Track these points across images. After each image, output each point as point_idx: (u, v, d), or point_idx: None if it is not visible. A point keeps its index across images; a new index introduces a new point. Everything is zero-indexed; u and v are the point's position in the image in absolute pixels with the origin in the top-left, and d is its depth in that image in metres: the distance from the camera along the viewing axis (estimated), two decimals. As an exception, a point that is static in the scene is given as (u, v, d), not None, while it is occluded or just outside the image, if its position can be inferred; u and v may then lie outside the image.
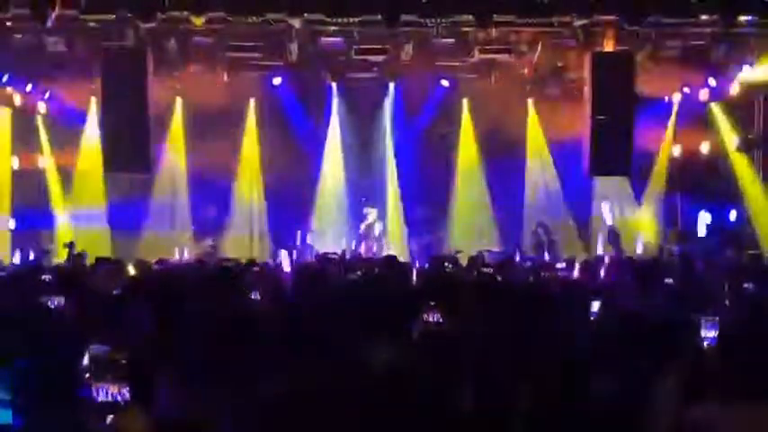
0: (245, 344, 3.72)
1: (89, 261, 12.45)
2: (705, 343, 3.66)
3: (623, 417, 3.48)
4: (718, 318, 3.61)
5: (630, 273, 8.35)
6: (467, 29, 14.71)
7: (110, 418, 2.77)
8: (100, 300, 6.47)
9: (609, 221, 16.81)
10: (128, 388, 2.81)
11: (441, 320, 4.86)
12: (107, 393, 2.79)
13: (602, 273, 10.06)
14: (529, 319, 4.89)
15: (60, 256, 14.80)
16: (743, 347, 3.15)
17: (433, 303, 4.89)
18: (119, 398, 2.80)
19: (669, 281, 9.05)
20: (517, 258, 14.61)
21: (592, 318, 5.63)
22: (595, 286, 7.54)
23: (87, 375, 2.79)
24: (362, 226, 17.21)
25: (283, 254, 11.87)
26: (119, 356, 2.81)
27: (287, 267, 10.50)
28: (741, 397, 3.07)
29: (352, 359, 4.10)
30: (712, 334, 3.66)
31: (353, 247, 16.75)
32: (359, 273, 9.50)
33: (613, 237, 16.08)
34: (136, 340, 4.77)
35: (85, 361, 2.80)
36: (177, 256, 15.39)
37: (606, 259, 11.96)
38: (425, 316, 4.81)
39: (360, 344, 4.30)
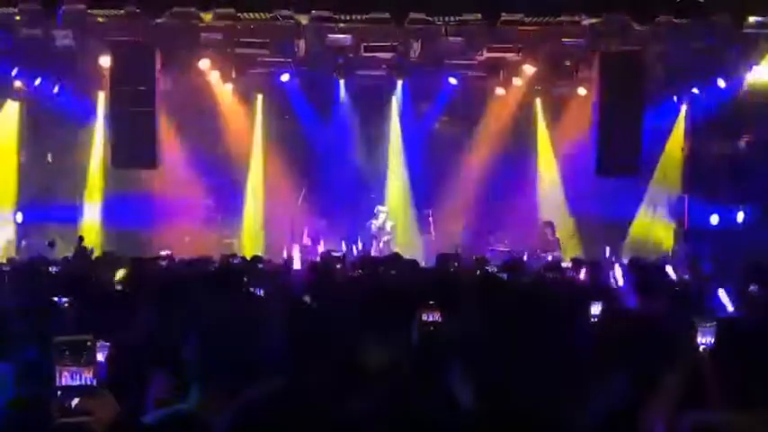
0: (245, 342, 3.72)
1: (95, 256, 12.52)
2: (701, 348, 3.65)
3: (622, 420, 3.48)
4: (715, 323, 3.58)
5: (634, 275, 8.32)
6: (475, 27, 14.68)
7: (76, 401, 2.76)
8: (103, 295, 6.48)
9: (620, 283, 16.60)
10: (94, 372, 2.79)
11: (441, 320, 4.83)
12: (78, 377, 2.77)
13: (608, 275, 10.05)
14: (530, 319, 4.86)
15: (69, 250, 14.85)
16: (742, 351, 3.14)
17: (432, 302, 4.86)
18: (89, 381, 2.78)
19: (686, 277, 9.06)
20: (525, 258, 14.58)
21: (594, 320, 5.61)
22: (599, 288, 7.52)
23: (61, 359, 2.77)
24: (374, 225, 17.18)
25: (295, 250, 11.78)
26: (85, 339, 2.78)
27: (297, 264, 10.46)
28: (740, 402, 3.05)
29: (351, 358, 4.10)
30: (708, 339, 3.64)
31: (363, 246, 16.71)
32: (360, 271, 9.50)
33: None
34: (136, 336, 4.79)
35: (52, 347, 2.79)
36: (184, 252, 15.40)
37: (612, 262, 11.94)
38: (426, 315, 4.78)
39: (361, 342, 4.29)
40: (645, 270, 8.46)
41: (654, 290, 6.50)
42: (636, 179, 16.74)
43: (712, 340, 3.61)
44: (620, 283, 15.67)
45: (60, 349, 2.72)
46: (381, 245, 16.82)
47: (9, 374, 3.74)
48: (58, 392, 2.70)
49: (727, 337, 3.40)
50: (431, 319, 4.28)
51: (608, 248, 15.60)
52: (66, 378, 2.71)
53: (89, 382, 2.72)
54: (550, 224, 17.26)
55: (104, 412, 2.75)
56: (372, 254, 15.65)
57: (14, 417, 3.40)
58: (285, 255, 14.00)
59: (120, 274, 8.91)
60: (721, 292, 5.75)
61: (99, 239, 15.89)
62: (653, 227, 17.91)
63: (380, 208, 17.33)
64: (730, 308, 5.84)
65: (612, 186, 16.99)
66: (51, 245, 15.16)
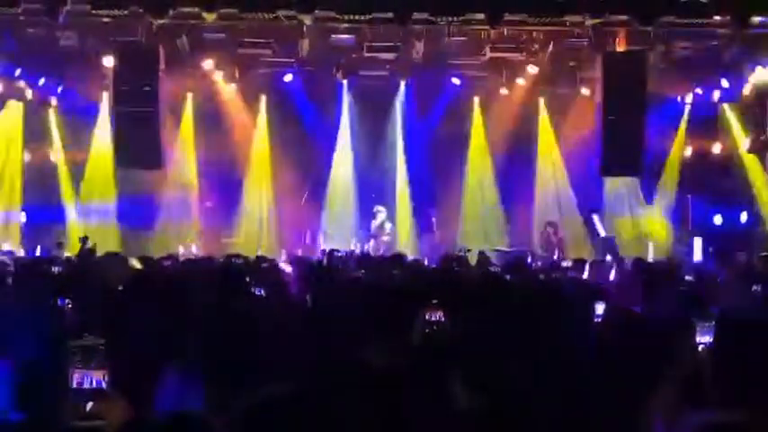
0: (248, 341, 3.72)
1: (99, 256, 12.50)
2: (701, 347, 3.65)
3: (622, 419, 3.48)
4: (714, 323, 3.59)
5: (638, 276, 8.32)
6: (478, 27, 14.69)
7: (90, 404, 2.78)
8: (105, 295, 6.49)
9: (602, 233, 16.60)
10: (106, 375, 2.82)
11: (443, 319, 4.85)
12: (90, 380, 2.80)
13: (611, 275, 10.05)
14: (532, 318, 4.87)
15: (73, 250, 14.86)
16: (741, 350, 3.13)
17: (435, 302, 4.88)
18: (100, 384, 2.81)
19: (689, 278, 9.06)
20: (528, 258, 14.56)
21: (596, 320, 5.62)
22: (602, 288, 7.52)
23: (73, 363, 2.80)
24: (373, 225, 17.16)
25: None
26: (99, 343, 2.81)
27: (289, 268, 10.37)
28: (740, 401, 3.05)
29: (353, 357, 4.10)
30: (707, 339, 3.64)
31: (363, 246, 16.69)
32: (363, 271, 9.50)
33: (609, 246, 15.77)
34: (138, 336, 4.79)
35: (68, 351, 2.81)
36: (185, 252, 15.43)
37: (615, 262, 11.94)
38: (428, 315, 4.80)
39: (361, 342, 4.30)
40: (649, 271, 8.44)
41: (658, 291, 6.49)
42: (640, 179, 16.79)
43: (711, 340, 3.61)
44: (602, 233, 15.52)
45: (73, 353, 2.75)
46: (381, 245, 16.79)
47: (9, 374, 3.74)
48: (71, 396, 2.73)
49: (726, 336, 3.40)
50: (434, 318, 4.29)
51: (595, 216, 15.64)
52: (78, 381, 2.74)
53: (101, 386, 2.75)
54: (554, 224, 17.23)
55: (116, 416, 2.77)
56: (372, 254, 15.62)
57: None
58: (286, 257, 13.97)
59: (121, 274, 8.91)
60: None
61: (104, 240, 15.84)
62: (658, 227, 17.86)
63: (379, 208, 17.29)
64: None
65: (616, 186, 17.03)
66: (60, 245, 15.19)
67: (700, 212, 17.23)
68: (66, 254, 14.51)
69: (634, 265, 9.94)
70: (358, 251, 15.82)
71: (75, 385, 2.79)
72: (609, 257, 13.57)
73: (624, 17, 13.90)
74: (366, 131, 18.37)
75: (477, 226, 18.13)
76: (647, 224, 17.80)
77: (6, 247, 15.68)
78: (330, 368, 3.79)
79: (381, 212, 17.22)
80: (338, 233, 17.47)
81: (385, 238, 16.97)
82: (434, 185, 18.08)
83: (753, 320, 3.97)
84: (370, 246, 16.64)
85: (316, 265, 10.02)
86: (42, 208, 17.20)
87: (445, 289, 5.86)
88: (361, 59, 15.96)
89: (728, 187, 17.34)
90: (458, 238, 17.61)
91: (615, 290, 7.22)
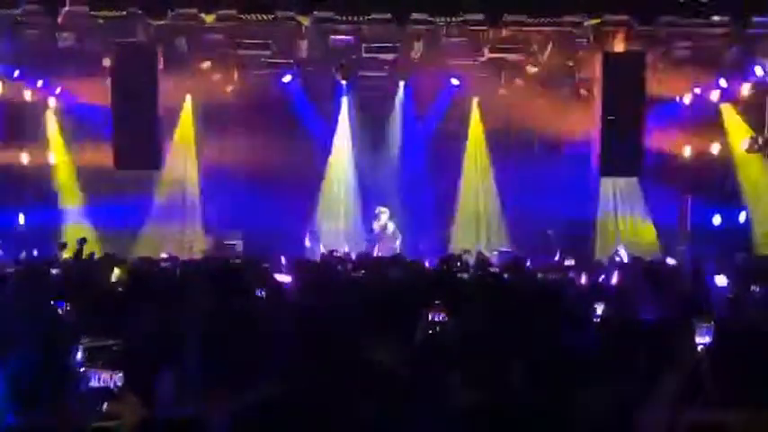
0: (247, 343, 3.72)
1: (97, 257, 12.51)
2: (699, 348, 3.65)
3: (621, 419, 3.47)
4: (713, 323, 3.58)
5: (639, 276, 8.31)
6: (477, 28, 14.68)
7: (105, 405, 2.78)
8: (104, 297, 6.49)
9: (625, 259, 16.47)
10: (120, 375, 2.82)
11: (445, 319, 4.84)
12: (100, 380, 2.80)
13: (612, 276, 10.04)
14: (532, 319, 4.87)
15: (70, 252, 14.84)
16: (740, 350, 3.13)
17: (437, 302, 4.87)
18: (112, 385, 2.80)
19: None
20: (527, 260, 14.55)
21: (596, 320, 5.61)
22: (602, 289, 7.52)
23: (81, 363, 2.80)
24: (376, 226, 17.11)
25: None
26: (112, 344, 2.82)
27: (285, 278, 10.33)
28: (737, 400, 3.05)
29: (354, 358, 4.10)
30: (706, 339, 3.64)
31: (371, 249, 16.57)
32: (363, 272, 9.49)
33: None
34: (137, 337, 4.79)
35: (80, 350, 2.81)
36: (185, 254, 15.42)
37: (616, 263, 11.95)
38: (430, 315, 4.79)
39: (363, 343, 4.29)
40: (650, 272, 8.43)
41: (658, 291, 6.49)
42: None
43: (710, 340, 3.61)
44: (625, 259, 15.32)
45: (86, 353, 2.75)
46: (384, 245, 16.73)
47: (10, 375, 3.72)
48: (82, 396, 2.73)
49: (724, 336, 3.39)
50: (437, 319, 4.29)
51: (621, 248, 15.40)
52: (93, 380, 2.74)
53: (114, 386, 2.75)
54: (553, 226, 17.21)
55: (132, 416, 2.78)
56: (376, 255, 15.57)
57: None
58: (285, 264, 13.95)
59: (116, 274, 8.89)
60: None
61: (99, 241, 15.84)
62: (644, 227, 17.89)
63: (381, 209, 17.25)
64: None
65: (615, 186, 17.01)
66: (63, 246, 15.16)
67: (698, 212, 17.21)
68: (66, 255, 14.52)
69: (634, 265, 9.94)
70: (360, 253, 15.76)
71: (86, 386, 2.78)
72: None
73: (624, 17, 13.90)
74: (365, 132, 18.36)
75: (477, 227, 18.10)
76: (639, 224, 17.83)
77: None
78: (331, 368, 3.79)
79: (384, 213, 17.16)
80: (336, 234, 17.44)
81: (396, 244, 16.88)
82: (434, 186, 18.07)
83: (750, 320, 3.98)
84: (376, 249, 16.54)
85: (315, 266, 10.02)
86: (41, 210, 17.17)
87: (445, 289, 5.85)
88: (360, 60, 15.95)
89: (728, 187, 17.33)
90: (457, 239, 17.58)
91: (615, 291, 7.22)
